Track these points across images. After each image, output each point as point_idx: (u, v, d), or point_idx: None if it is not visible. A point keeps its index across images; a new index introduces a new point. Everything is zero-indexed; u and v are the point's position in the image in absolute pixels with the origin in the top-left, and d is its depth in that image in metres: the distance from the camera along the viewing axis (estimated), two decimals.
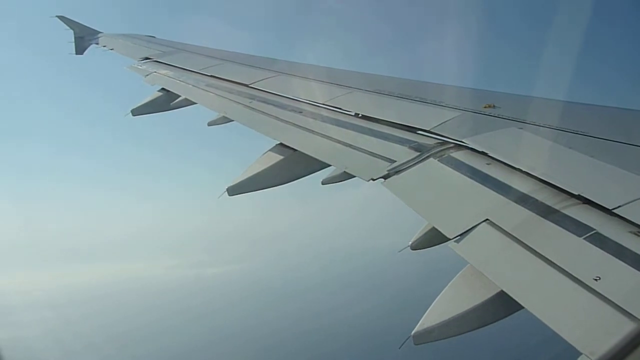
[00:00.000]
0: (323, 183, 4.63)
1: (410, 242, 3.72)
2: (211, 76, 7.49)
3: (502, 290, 2.87)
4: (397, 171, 4.09)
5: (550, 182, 3.38)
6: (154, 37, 11.18)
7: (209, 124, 6.37)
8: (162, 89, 7.69)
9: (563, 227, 3.00)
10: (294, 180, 5.09)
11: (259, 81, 6.81)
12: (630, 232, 2.80)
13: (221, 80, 7.24)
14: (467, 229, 3.27)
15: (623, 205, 2.98)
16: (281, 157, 5.06)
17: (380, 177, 4.10)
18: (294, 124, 5.43)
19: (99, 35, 11.60)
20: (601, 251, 2.74)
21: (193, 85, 7.41)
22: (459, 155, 4.05)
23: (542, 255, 2.86)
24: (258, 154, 5.28)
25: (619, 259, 2.65)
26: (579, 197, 3.18)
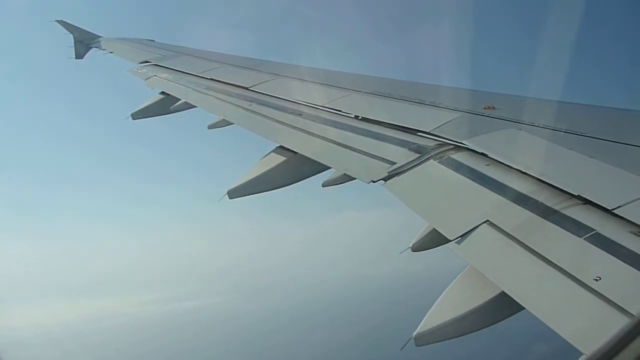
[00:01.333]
0: (323, 185, 4.64)
1: (411, 244, 3.72)
2: (211, 79, 7.49)
3: (503, 291, 2.88)
4: (397, 173, 4.10)
5: (550, 182, 3.38)
6: (153, 40, 11.20)
7: (209, 127, 6.37)
8: (162, 92, 7.70)
9: (563, 228, 3.00)
10: (294, 182, 5.09)
11: (258, 84, 6.82)
12: (631, 232, 2.81)
13: (221, 84, 7.25)
14: (467, 230, 3.27)
15: (623, 205, 2.98)
16: (281, 160, 5.07)
17: (381, 179, 4.11)
18: (294, 127, 5.44)
19: (99, 39, 11.61)
20: (601, 251, 2.75)
21: (193, 89, 7.42)
22: (458, 156, 4.06)
23: (542, 256, 2.87)
24: (258, 157, 5.29)
25: (619, 259, 2.65)
26: (579, 198, 3.19)
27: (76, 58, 11.60)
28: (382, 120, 5.03)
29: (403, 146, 4.45)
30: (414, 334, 3.08)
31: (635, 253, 2.65)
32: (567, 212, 3.11)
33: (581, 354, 2.32)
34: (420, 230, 3.72)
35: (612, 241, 2.78)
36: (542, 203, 3.25)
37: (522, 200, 3.35)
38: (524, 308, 2.74)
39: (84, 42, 11.59)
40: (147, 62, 9.08)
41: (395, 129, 4.82)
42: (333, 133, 5.08)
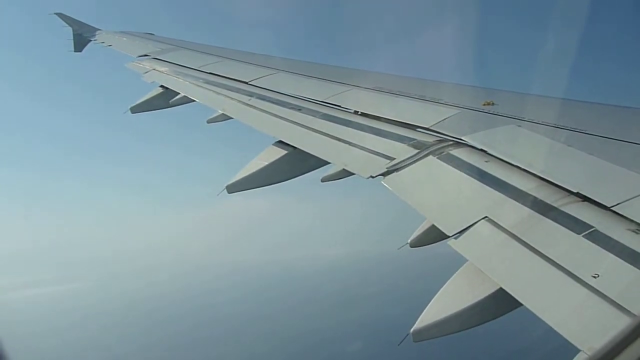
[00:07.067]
0: (322, 180, 4.64)
1: (409, 240, 3.73)
2: (210, 73, 7.47)
3: (500, 288, 2.88)
4: (396, 169, 4.10)
5: (549, 179, 3.38)
6: (152, 34, 11.16)
7: (208, 122, 6.36)
8: (161, 86, 7.68)
9: (562, 225, 3.01)
10: (293, 177, 5.09)
11: (258, 78, 6.81)
12: (629, 229, 2.81)
13: (220, 78, 7.23)
14: (466, 226, 3.27)
15: (622, 202, 2.99)
16: (280, 155, 5.06)
17: (380, 175, 4.10)
18: (293, 122, 5.43)
19: (98, 32, 11.58)
20: (600, 248, 2.75)
21: (192, 83, 7.40)
22: (458, 152, 4.06)
23: (540, 253, 2.87)
24: (257, 152, 5.28)
25: (618, 256, 2.66)
26: (578, 195, 3.19)
27: (75, 51, 11.57)
28: (382, 116, 5.03)
29: (402, 142, 4.44)
30: (412, 329, 3.08)
31: (634, 250, 2.65)
32: (565, 209, 3.11)
33: (578, 350, 2.33)
34: (419, 226, 3.73)
35: (611, 238, 2.78)
36: (541, 200, 3.25)
37: (521, 196, 3.35)
38: (521, 305, 2.75)
39: (83, 35, 11.56)
40: (146, 55, 9.06)
41: (395, 125, 4.81)
42: (332, 128, 5.07)
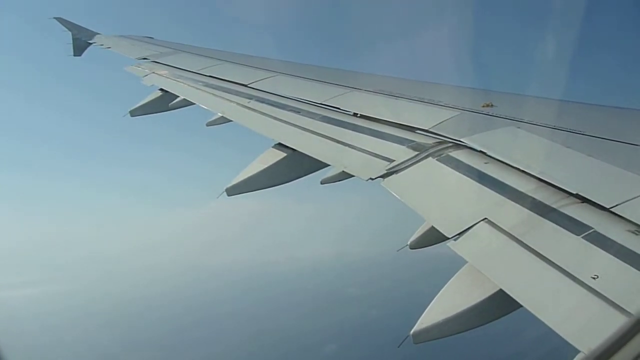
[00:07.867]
0: (322, 183, 4.64)
1: (409, 242, 3.73)
2: (209, 76, 7.48)
3: (500, 289, 2.88)
4: (395, 170, 4.10)
5: (548, 181, 3.39)
6: (152, 37, 11.18)
7: (208, 124, 6.37)
8: (161, 89, 7.69)
9: (561, 226, 3.01)
10: (293, 180, 5.09)
11: (257, 81, 6.81)
12: (628, 230, 2.82)
13: (219, 81, 7.24)
14: (465, 228, 3.28)
15: (621, 203, 2.99)
16: (280, 157, 5.06)
17: (379, 177, 4.11)
18: (293, 124, 5.44)
19: (97, 36, 11.59)
20: (599, 250, 2.76)
21: (191, 86, 7.40)
22: (457, 154, 4.07)
23: (540, 254, 2.87)
24: (257, 154, 5.28)
25: (617, 257, 2.66)
26: (577, 196, 3.19)
27: (75, 55, 11.57)
28: (381, 118, 5.03)
29: (402, 144, 4.45)
30: (412, 331, 3.08)
31: (633, 251, 2.66)
32: (565, 210, 3.12)
33: (578, 351, 2.33)
34: (418, 227, 3.73)
35: (610, 239, 2.79)
36: (540, 201, 3.26)
37: (520, 198, 3.36)
38: (521, 306, 2.75)
39: (82, 39, 11.56)
40: (145, 58, 9.06)
41: (394, 127, 4.82)
42: (332, 130, 5.08)
